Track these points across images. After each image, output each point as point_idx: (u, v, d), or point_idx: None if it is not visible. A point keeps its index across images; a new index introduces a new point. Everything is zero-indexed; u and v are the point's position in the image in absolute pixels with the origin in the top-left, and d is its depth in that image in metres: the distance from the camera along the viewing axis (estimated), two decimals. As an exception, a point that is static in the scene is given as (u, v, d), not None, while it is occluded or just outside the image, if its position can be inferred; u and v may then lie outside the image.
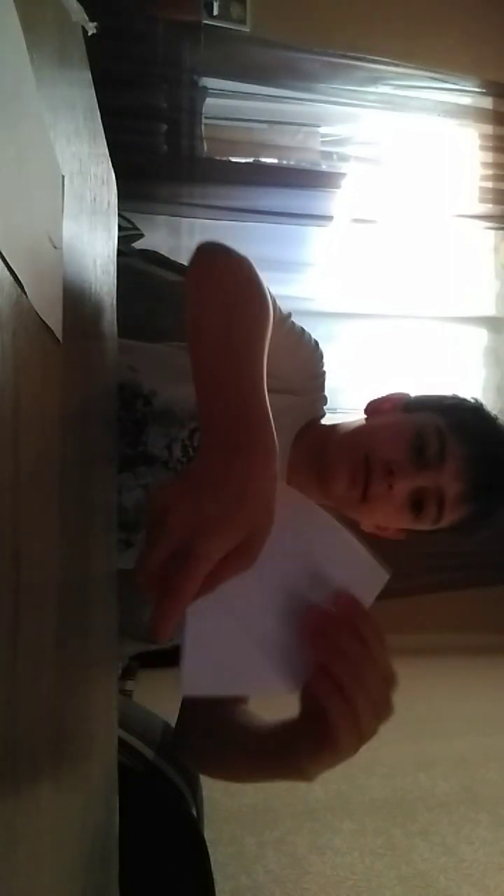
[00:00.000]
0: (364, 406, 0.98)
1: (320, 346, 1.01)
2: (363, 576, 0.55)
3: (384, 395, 0.98)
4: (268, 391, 0.58)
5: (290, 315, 0.93)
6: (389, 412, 0.94)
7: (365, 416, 0.97)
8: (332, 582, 0.54)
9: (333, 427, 0.97)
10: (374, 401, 0.98)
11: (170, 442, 0.91)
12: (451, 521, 0.88)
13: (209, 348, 0.61)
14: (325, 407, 1.04)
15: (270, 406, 0.71)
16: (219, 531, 0.45)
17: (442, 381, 2.80)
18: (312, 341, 0.99)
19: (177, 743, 0.89)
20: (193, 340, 0.62)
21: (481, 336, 2.96)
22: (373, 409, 0.97)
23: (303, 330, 0.97)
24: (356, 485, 0.86)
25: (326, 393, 1.04)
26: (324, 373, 1.02)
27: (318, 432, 0.97)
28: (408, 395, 0.97)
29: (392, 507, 0.87)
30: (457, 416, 0.90)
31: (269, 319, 0.68)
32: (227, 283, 0.69)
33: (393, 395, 0.97)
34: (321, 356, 1.01)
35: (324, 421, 1.02)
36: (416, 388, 1.00)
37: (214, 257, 0.73)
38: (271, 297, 0.75)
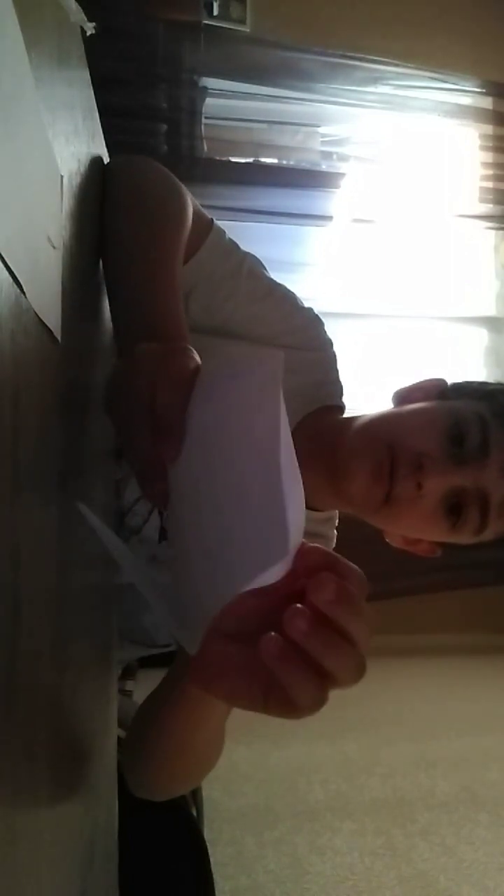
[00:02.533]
0: (391, 395, 0.84)
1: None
2: (264, 541, 0.35)
3: (416, 382, 0.83)
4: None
5: (243, 254, 0.81)
6: (421, 400, 0.79)
7: (392, 407, 0.82)
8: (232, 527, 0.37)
9: (352, 418, 0.82)
10: (404, 388, 0.83)
11: None
12: (498, 532, 0.73)
13: (122, 256, 0.63)
14: (343, 398, 0.88)
15: None
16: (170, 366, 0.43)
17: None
18: (295, 297, 0.85)
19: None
20: (108, 249, 0.65)
21: (481, 336, 2.96)
22: (401, 397, 0.82)
23: (272, 281, 0.83)
24: (379, 482, 0.71)
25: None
26: (327, 341, 0.88)
27: (332, 423, 0.83)
28: (444, 380, 0.83)
29: (422, 512, 0.71)
30: (501, 400, 0.75)
31: (182, 219, 0.69)
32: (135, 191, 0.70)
33: (426, 381, 0.82)
34: (316, 318, 0.87)
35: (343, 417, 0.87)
36: (454, 375, 0.85)
37: (121, 166, 0.74)
38: (204, 215, 0.77)
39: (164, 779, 0.67)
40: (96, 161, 0.67)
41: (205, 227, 0.79)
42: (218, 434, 0.40)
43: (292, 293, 0.86)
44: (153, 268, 0.62)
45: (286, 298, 0.85)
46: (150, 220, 0.67)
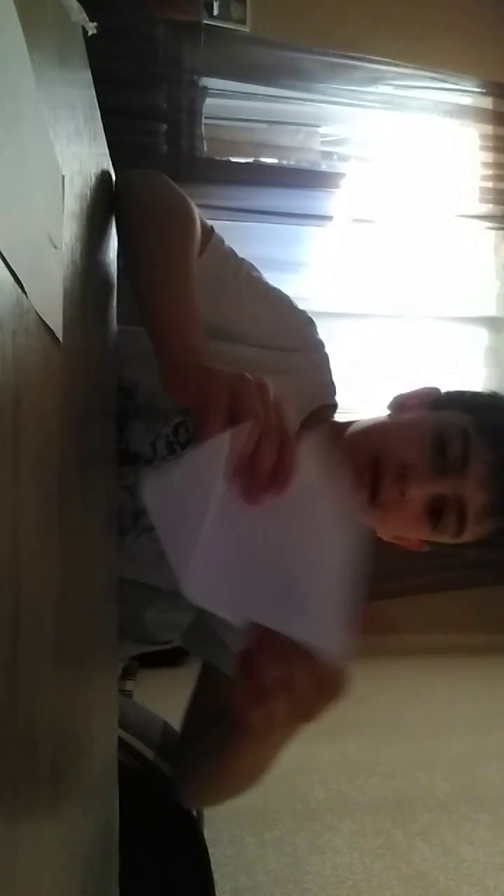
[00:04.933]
0: (388, 402, 0.88)
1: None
2: (325, 627, 0.48)
3: (412, 390, 0.87)
4: (255, 370, 0.65)
5: (240, 258, 0.86)
6: (415, 409, 0.84)
7: (388, 413, 0.87)
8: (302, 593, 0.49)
9: (347, 423, 0.86)
10: (400, 396, 0.87)
11: (154, 439, 0.84)
12: (475, 535, 0.78)
13: (145, 274, 0.72)
14: (336, 398, 0.93)
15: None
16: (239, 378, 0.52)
17: (442, 382, 2.80)
18: (290, 300, 0.89)
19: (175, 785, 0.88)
20: (132, 268, 0.73)
21: (481, 336, 2.96)
22: (397, 405, 0.86)
23: (268, 283, 0.88)
24: (359, 489, 0.76)
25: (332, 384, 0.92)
26: (320, 342, 0.91)
27: (330, 427, 0.87)
28: (438, 389, 0.87)
29: (406, 516, 0.77)
30: (488, 415, 0.79)
31: (190, 232, 0.77)
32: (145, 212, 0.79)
33: (421, 390, 0.87)
34: (310, 320, 0.90)
35: (340, 419, 0.91)
36: (453, 383, 0.89)
37: (132, 184, 0.82)
38: (205, 226, 0.84)
39: (222, 795, 0.87)
40: (98, 161, 0.67)
41: (207, 234, 0.84)
42: (306, 512, 0.50)
43: (287, 296, 0.90)
44: (176, 292, 0.70)
45: (282, 301, 0.89)
46: (169, 243, 0.75)
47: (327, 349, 0.93)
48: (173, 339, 0.63)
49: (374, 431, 0.82)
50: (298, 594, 0.49)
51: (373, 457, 0.76)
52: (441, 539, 0.79)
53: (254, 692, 0.49)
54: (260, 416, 0.50)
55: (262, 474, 0.49)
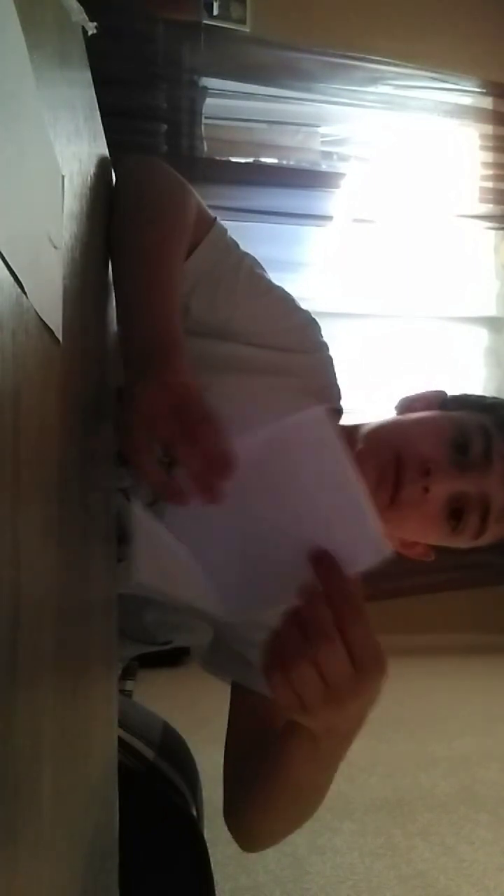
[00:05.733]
0: (395, 403, 0.87)
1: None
2: (358, 543, 0.51)
3: (418, 392, 0.87)
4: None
5: (242, 252, 0.84)
6: (423, 410, 0.83)
7: (395, 416, 0.86)
8: (321, 537, 0.50)
9: (357, 425, 0.83)
10: (407, 398, 0.86)
11: None
12: (495, 536, 0.76)
13: (124, 258, 0.69)
14: (341, 402, 0.90)
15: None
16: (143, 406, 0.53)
17: (442, 382, 2.80)
18: (293, 299, 0.87)
19: (229, 821, 0.85)
20: (113, 249, 0.70)
21: (481, 336, 2.96)
22: (405, 406, 0.85)
23: (270, 281, 0.85)
24: (384, 486, 0.73)
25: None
26: (324, 344, 0.89)
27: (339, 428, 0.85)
28: (444, 392, 0.87)
29: (426, 516, 0.74)
30: (502, 413, 0.79)
31: (182, 219, 0.75)
32: (140, 190, 0.76)
33: (428, 392, 0.87)
34: (313, 321, 0.88)
35: (345, 422, 0.87)
36: (453, 383, 0.91)
37: (129, 167, 0.79)
38: (205, 214, 0.81)
39: (281, 824, 0.84)
40: (98, 161, 0.67)
41: (207, 224, 0.81)
42: (281, 469, 0.52)
43: (290, 295, 0.87)
44: (152, 276, 0.67)
45: (285, 299, 0.86)
46: (151, 228, 0.72)
47: (331, 351, 0.90)
48: (135, 352, 0.61)
49: (389, 429, 0.80)
50: (322, 533, 0.50)
51: (395, 454, 0.74)
52: (458, 542, 0.77)
53: (283, 670, 0.49)
54: (179, 440, 0.51)
55: (200, 476, 0.49)
